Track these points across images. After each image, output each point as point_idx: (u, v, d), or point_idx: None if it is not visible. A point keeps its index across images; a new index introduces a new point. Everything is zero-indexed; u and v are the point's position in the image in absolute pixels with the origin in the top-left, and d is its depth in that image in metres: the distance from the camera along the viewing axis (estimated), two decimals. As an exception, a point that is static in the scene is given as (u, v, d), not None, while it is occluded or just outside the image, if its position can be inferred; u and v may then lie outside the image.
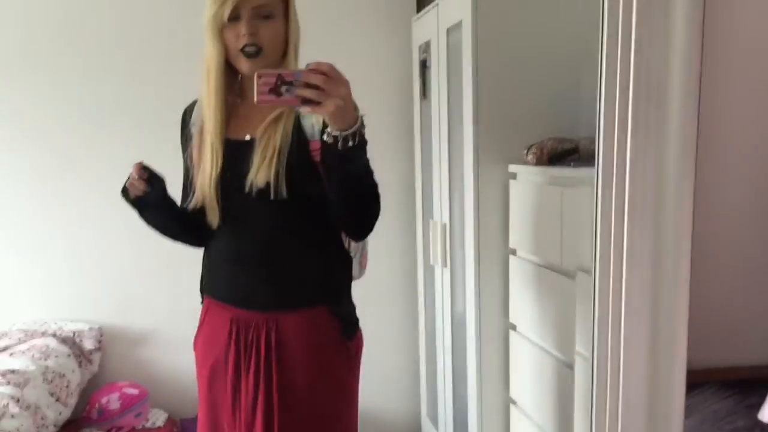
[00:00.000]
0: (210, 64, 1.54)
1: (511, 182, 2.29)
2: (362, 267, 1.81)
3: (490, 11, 2.29)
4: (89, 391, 2.98)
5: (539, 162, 2.14)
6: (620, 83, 0.98)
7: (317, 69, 1.24)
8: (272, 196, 1.49)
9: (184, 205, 1.63)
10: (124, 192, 1.59)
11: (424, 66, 2.97)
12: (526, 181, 2.21)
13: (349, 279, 1.68)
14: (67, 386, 2.76)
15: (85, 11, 3.00)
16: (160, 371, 3.19)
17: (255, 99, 1.25)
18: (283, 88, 1.23)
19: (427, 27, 2.85)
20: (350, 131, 1.30)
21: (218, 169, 1.54)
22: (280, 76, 1.24)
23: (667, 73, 0.97)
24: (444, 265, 2.71)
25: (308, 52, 1.58)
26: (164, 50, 3.00)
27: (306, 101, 1.24)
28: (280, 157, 1.48)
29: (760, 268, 2.06)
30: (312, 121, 1.49)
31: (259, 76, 1.24)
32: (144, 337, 3.18)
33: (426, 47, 2.90)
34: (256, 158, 1.50)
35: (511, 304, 2.33)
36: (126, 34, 3.02)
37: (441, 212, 2.74)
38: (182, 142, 1.70)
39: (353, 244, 1.71)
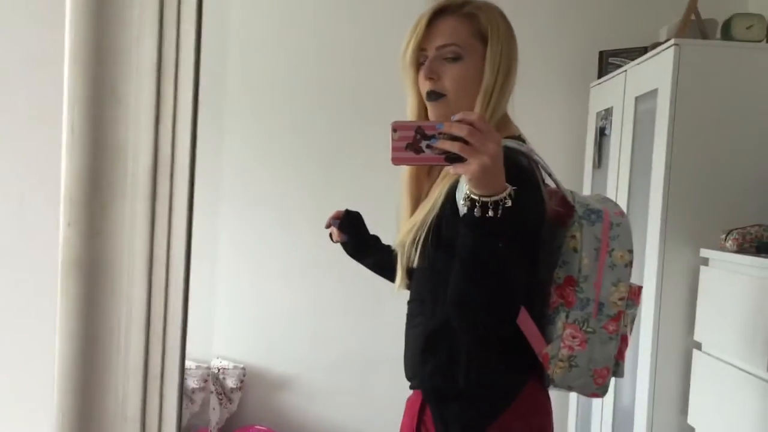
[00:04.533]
0: (408, 111, 1.41)
1: (702, 268, 2.06)
2: (594, 382, 1.29)
3: (691, 80, 2.11)
4: (227, 429, 2.96)
5: (741, 250, 1.92)
6: None
7: (464, 119, 1.01)
8: (406, 263, 1.37)
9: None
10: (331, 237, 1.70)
11: (601, 134, 2.81)
12: (723, 269, 1.97)
13: (500, 373, 1.30)
14: (206, 423, 2.75)
15: (332, 60, 3.11)
16: (295, 419, 3.13)
17: (390, 157, 1.03)
18: (423, 144, 1.01)
19: (610, 94, 2.70)
20: (493, 198, 1.05)
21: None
22: (419, 129, 1.01)
23: None
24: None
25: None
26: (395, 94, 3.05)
27: (450, 158, 1.02)
28: (423, 224, 1.30)
29: None
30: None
31: (394, 129, 1.01)
32: (284, 382, 3.14)
33: (606, 114, 2.74)
34: (413, 218, 1.37)
35: (692, 403, 2.07)
36: (361, 78, 3.08)
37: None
38: None
39: (558, 325, 1.28)
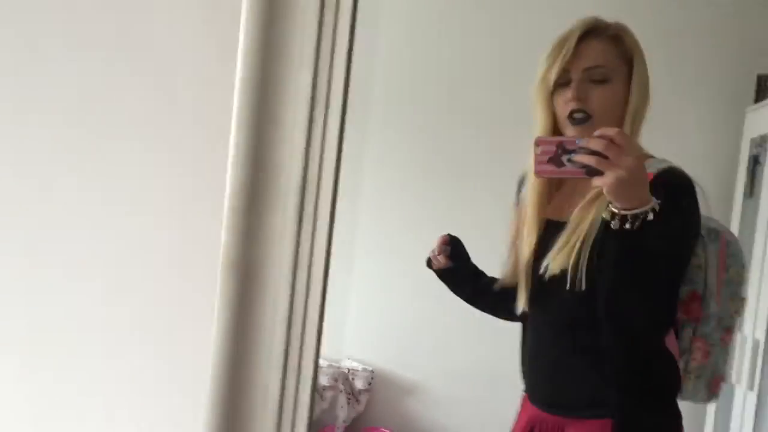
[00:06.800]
0: (540, 130, 1.41)
1: None
2: (710, 390, 1.40)
3: None
4: (353, 429, 3.07)
5: None
6: None
7: (602, 135, 1.07)
8: (567, 286, 1.31)
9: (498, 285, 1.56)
10: (429, 262, 1.64)
11: (755, 161, 2.67)
12: None
13: (664, 387, 1.37)
14: (334, 420, 2.87)
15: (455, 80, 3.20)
16: (420, 425, 3.19)
17: (533, 170, 1.13)
18: (565, 158, 1.09)
19: (768, 119, 2.56)
20: (633, 212, 1.08)
21: (533, 250, 1.42)
22: (560, 144, 1.10)
23: None
24: (750, 387, 2.36)
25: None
26: (499, 115, 3.08)
27: (589, 171, 1.08)
28: (584, 245, 1.28)
29: None
30: None
31: (537, 144, 1.11)
32: (411, 388, 3.21)
33: (761, 141, 2.60)
34: (560, 241, 1.33)
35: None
36: (471, 100, 3.14)
37: (754, 326, 2.39)
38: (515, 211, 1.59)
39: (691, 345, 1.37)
